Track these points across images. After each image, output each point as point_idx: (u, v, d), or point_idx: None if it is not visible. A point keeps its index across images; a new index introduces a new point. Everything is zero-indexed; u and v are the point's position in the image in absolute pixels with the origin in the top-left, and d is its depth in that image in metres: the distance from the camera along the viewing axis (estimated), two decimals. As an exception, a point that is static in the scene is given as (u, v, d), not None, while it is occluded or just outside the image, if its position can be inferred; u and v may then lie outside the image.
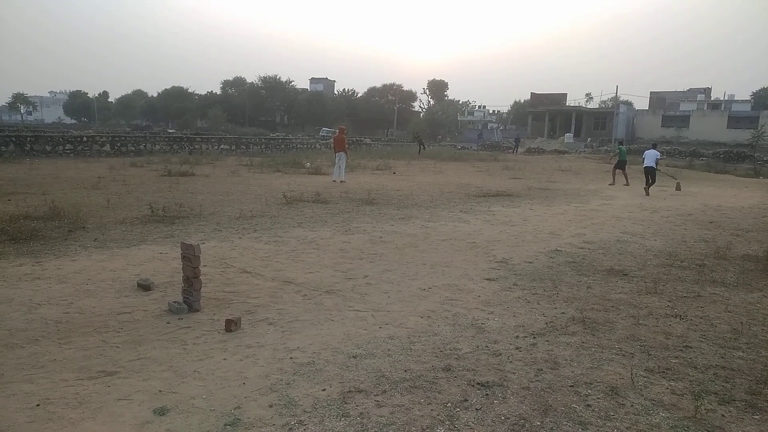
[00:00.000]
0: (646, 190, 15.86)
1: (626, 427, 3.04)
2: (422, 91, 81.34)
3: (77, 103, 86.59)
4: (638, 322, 4.75)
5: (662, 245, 8.25)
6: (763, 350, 4.19)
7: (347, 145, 16.97)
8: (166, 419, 3.07)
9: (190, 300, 4.86)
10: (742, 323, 4.76)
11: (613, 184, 18.28)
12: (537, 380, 3.60)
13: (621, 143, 21.59)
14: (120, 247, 7.15)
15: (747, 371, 3.80)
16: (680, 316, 4.95)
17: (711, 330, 4.62)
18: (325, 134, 47.99)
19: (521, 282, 6.03)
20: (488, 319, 4.79)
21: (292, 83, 76.07)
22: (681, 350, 4.16)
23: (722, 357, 4.05)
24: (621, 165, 18.56)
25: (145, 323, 4.55)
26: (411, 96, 77.89)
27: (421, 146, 30.73)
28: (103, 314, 4.72)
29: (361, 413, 3.16)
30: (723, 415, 3.21)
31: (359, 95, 77.28)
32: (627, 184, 18.05)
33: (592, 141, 51.06)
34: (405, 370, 3.73)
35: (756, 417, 3.20)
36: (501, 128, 75.79)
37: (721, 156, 35.68)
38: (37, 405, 3.19)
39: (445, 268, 6.62)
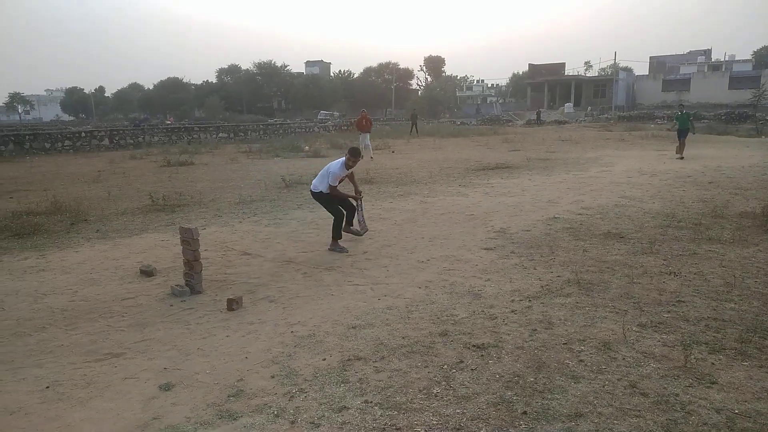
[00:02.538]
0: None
1: (617, 379, 3.13)
2: (419, 68, 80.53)
3: (74, 100, 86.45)
4: (633, 281, 4.82)
5: (660, 207, 8.28)
6: (755, 301, 4.26)
7: (371, 126, 19.29)
8: (172, 394, 3.18)
9: (191, 283, 4.96)
10: (735, 277, 4.82)
11: (681, 157, 15.53)
12: (531, 340, 3.69)
13: (682, 107, 17.14)
14: (122, 237, 7.25)
15: (738, 321, 3.88)
16: (675, 273, 5.02)
17: (704, 285, 4.68)
18: (323, 117, 47.80)
19: (518, 249, 6.09)
20: (485, 286, 4.87)
21: (288, 68, 75.39)
22: (674, 305, 4.23)
23: (714, 309, 4.12)
24: (679, 134, 16.07)
25: (148, 307, 4.66)
26: (408, 74, 77.19)
27: (414, 126, 30.56)
28: (107, 301, 4.83)
29: (360, 379, 3.26)
30: (713, 363, 3.28)
31: (356, 76, 76.67)
32: (681, 156, 15.53)
33: (592, 110, 50.65)
34: (403, 337, 3.82)
35: (745, 363, 3.28)
36: (500, 102, 75.22)
37: (723, 117, 35.37)
38: (47, 387, 3.30)
39: (444, 240, 6.69)
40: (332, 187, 6.30)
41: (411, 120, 32.12)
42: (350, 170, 6.37)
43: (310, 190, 6.58)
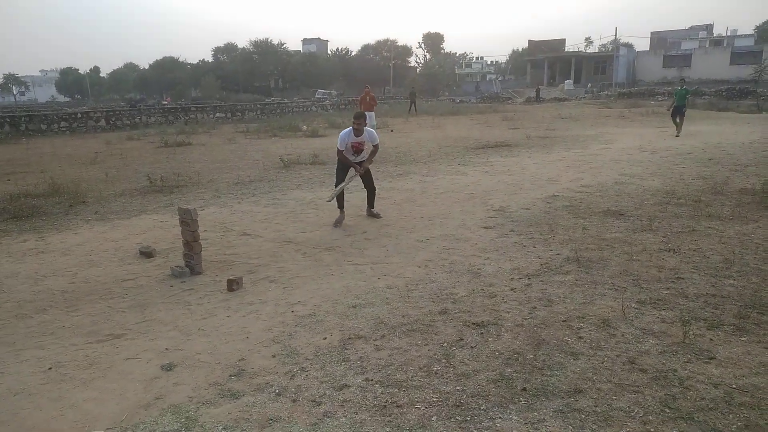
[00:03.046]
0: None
1: (616, 355, 3.15)
2: (417, 45, 79.67)
3: (69, 81, 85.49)
4: (632, 258, 4.83)
5: (660, 184, 8.26)
6: (754, 277, 4.27)
7: (374, 104, 18.67)
8: (173, 374, 3.20)
9: (191, 263, 4.96)
10: (734, 253, 4.83)
11: (677, 135, 15.17)
12: (531, 317, 3.71)
13: (683, 82, 16.51)
14: (120, 218, 7.24)
15: (737, 297, 3.89)
16: (674, 250, 5.03)
17: (703, 261, 4.70)
18: (321, 96, 47.37)
19: (518, 228, 6.09)
20: (484, 265, 4.88)
21: (285, 46, 74.37)
22: (673, 282, 4.25)
23: (713, 286, 4.14)
24: (675, 110, 15.55)
25: (149, 288, 4.66)
26: (406, 51, 76.33)
27: (412, 105, 30.35)
28: (107, 282, 4.84)
29: (360, 357, 3.28)
30: (711, 339, 3.31)
31: (353, 54, 75.81)
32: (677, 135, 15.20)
33: (592, 86, 50.22)
34: (403, 316, 3.84)
35: (743, 339, 3.30)
36: (500, 79, 74.56)
37: (724, 93, 35.05)
38: (50, 368, 3.32)
39: (443, 219, 6.68)
40: (339, 151, 6.69)
41: (409, 98, 31.83)
42: (360, 136, 6.60)
43: None
